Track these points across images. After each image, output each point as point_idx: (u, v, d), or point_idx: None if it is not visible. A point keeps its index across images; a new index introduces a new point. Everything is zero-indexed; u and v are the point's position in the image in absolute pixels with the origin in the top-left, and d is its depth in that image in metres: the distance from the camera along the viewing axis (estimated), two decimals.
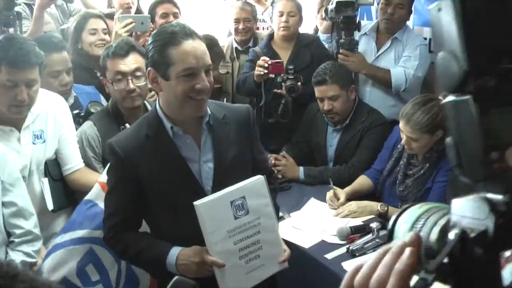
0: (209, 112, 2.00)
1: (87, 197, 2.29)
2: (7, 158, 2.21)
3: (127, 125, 2.57)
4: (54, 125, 2.55)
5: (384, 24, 3.74)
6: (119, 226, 2.02)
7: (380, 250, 0.63)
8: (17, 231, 2.21)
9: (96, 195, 2.26)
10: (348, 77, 3.37)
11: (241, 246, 1.92)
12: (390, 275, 0.58)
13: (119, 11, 3.45)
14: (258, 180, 1.96)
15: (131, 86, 2.59)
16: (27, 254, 2.20)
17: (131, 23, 3.30)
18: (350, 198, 3.00)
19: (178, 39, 1.82)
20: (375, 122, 3.28)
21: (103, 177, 2.29)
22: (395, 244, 0.61)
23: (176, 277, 0.95)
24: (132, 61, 2.60)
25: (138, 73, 2.61)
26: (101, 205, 2.19)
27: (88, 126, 2.69)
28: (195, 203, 1.84)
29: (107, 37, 3.43)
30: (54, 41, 2.80)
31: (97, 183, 2.29)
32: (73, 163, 2.61)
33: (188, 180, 1.98)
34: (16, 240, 2.20)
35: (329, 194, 2.98)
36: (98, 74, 3.21)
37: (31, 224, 2.25)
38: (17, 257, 2.17)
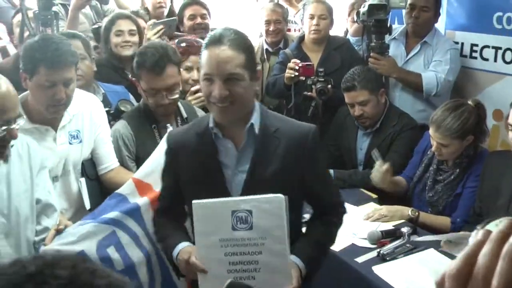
0: (253, 121, 1.91)
1: (118, 191, 2.29)
2: (39, 148, 2.27)
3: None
4: (90, 125, 2.59)
5: (410, 28, 3.75)
6: (159, 211, 2.13)
7: (470, 247, 0.58)
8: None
9: (129, 190, 2.25)
10: (377, 81, 3.37)
11: (233, 260, 1.81)
12: (498, 260, 0.55)
13: (151, 21, 3.52)
14: (275, 198, 1.77)
15: (166, 101, 2.64)
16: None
17: (161, 29, 3.41)
18: (383, 198, 3.01)
19: (207, 44, 1.84)
20: (406, 126, 3.28)
21: (137, 173, 2.30)
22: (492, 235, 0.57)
23: (229, 280, 0.95)
24: (169, 77, 2.61)
25: (173, 88, 2.65)
26: (132, 200, 2.22)
27: (122, 125, 2.73)
28: (193, 201, 1.83)
29: (133, 38, 3.46)
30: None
31: (131, 179, 2.29)
32: (109, 162, 2.65)
33: (218, 186, 1.94)
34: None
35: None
36: (128, 74, 3.28)
37: (51, 222, 2.25)
38: None
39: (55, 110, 2.39)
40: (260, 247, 1.78)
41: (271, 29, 4.12)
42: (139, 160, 2.66)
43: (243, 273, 1.81)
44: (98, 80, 3.36)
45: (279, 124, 1.96)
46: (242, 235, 1.78)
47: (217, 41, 1.81)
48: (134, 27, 3.50)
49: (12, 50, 4.07)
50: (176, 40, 3.23)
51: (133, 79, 2.78)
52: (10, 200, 2.08)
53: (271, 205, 1.77)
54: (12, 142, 2.07)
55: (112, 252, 2.17)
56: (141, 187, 2.25)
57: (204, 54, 1.84)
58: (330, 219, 2.08)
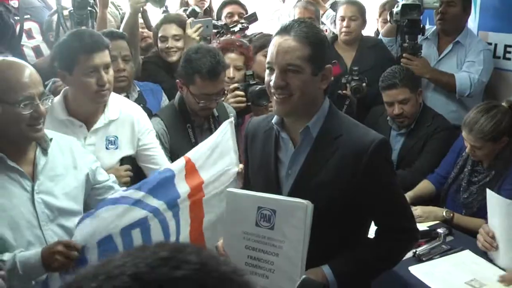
0: (312, 123, 1.81)
1: (170, 166, 2.30)
2: (84, 149, 2.32)
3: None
4: (131, 135, 2.60)
5: (439, 25, 3.74)
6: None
7: None
8: None
9: (178, 167, 2.25)
10: (417, 80, 3.38)
11: (252, 254, 1.79)
12: None
13: (190, 19, 3.52)
14: (299, 204, 1.69)
15: (214, 104, 2.74)
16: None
17: (200, 27, 3.40)
18: (413, 202, 3.00)
19: (275, 33, 1.83)
20: (440, 127, 3.27)
21: (190, 152, 2.29)
22: None
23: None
24: (221, 82, 2.71)
25: (221, 93, 2.74)
26: (177, 182, 2.21)
27: (156, 122, 2.77)
28: (227, 189, 1.87)
29: (178, 43, 3.47)
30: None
31: (183, 157, 2.28)
32: (165, 166, 2.64)
33: (272, 182, 1.90)
34: None
35: None
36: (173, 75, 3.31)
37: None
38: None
39: (101, 96, 2.42)
40: (278, 249, 1.74)
41: None
42: (173, 157, 2.68)
43: (259, 269, 1.78)
44: (145, 76, 3.44)
45: (344, 130, 1.81)
46: (263, 233, 1.76)
47: (283, 30, 1.78)
48: (179, 32, 3.51)
49: (45, 49, 4.14)
50: (221, 38, 3.29)
51: (179, 80, 2.78)
52: (54, 193, 2.12)
53: (294, 209, 1.70)
54: (51, 136, 2.14)
55: (136, 235, 2.14)
56: (189, 167, 2.24)
57: (271, 42, 1.83)
58: (390, 241, 1.88)
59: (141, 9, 3.46)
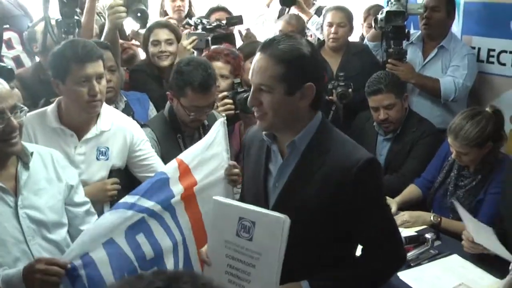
0: (298, 137, 1.78)
1: (163, 169, 2.29)
2: (66, 161, 2.30)
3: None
4: (122, 147, 2.60)
5: (424, 30, 3.79)
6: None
7: None
8: None
9: (171, 169, 2.24)
10: (402, 85, 3.40)
11: (231, 263, 1.79)
12: None
13: (186, 31, 3.55)
14: (276, 218, 1.65)
15: (204, 117, 2.77)
16: None
17: (195, 39, 3.40)
18: (400, 207, 3.03)
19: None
20: (426, 132, 3.30)
21: (182, 155, 2.30)
22: None
23: None
24: (212, 95, 2.74)
25: (214, 103, 2.79)
26: (172, 184, 2.20)
27: (147, 133, 2.76)
28: (214, 197, 1.85)
29: (171, 47, 3.51)
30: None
31: (174, 160, 2.27)
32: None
33: (260, 192, 1.90)
34: None
35: None
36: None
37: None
38: None
39: (93, 106, 2.42)
40: (255, 261, 1.72)
41: None
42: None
43: (236, 279, 1.78)
44: (133, 85, 3.45)
45: (333, 146, 1.77)
46: (242, 243, 1.74)
47: (262, 47, 1.74)
48: (172, 36, 3.55)
49: (25, 59, 4.11)
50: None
51: (167, 92, 2.78)
52: (39, 207, 2.10)
53: (271, 223, 1.66)
54: (31, 149, 2.11)
55: (141, 240, 2.13)
56: (183, 168, 2.24)
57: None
58: (373, 263, 1.82)
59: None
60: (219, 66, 3.14)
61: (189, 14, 4.46)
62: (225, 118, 2.39)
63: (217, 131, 2.33)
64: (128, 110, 3.08)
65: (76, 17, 3.16)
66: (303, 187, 1.77)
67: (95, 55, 2.39)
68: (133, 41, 4.26)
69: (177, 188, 2.22)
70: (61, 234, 2.17)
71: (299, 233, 1.65)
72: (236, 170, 2.35)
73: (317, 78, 1.75)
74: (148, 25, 3.55)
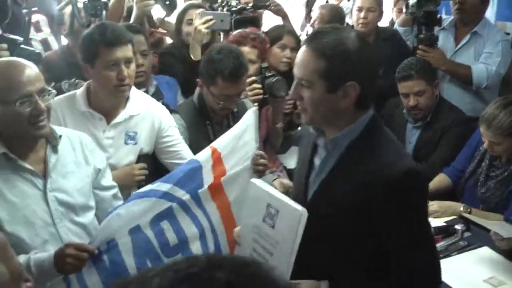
0: (338, 136, 1.68)
1: (196, 156, 2.29)
2: (94, 145, 2.31)
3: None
4: (150, 132, 2.58)
5: (456, 15, 3.68)
6: None
7: None
8: None
9: (204, 157, 2.24)
10: (433, 72, 3.32)
11: (255, 247, 1.76)
12: None
13: (200, 9, 3.41)
14: (295, 209, 1.58)
15: (234, 105, 2.73)
16: None
17: (210, 19, 3.24)
18: (429, 197, 2.97)
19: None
20: (456, 120, 3.23)
21: (216, 142, 2.29)
22: None
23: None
24: (243, 84, 2.70)
25: (241, 95, 2.74)
26: (204, 173, 2.20)
27: (176, 118, 2.75)
28: (251, 180, 1.80)
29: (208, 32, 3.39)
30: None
31: (208, 147, 2.27)
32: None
33: (301, 186, 1.83)
34: None
35: None
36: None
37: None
38: None
39: (121, 90, 2.42)
40: (273, 249, 1.68)
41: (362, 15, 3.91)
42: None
43: None
44: (162, 67, 3.43)
45: (377, 150, 1.63)
46: (266, 230, 1.70)
47: (306, 40, 1.66)
48: None
49: (53, 42, 4.12)
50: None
51: (200, 79, 2.75)
52: (67, 190, 2.11)
53: (290, 213, 1.60)
54: (60, 132, 2.12)
55: (166, 226, 2.16)
56: (216, 156, 2.24)
57: None
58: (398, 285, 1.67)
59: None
60: (246, 51, 3.08)
61: None
62: (257, 107, 2.38)
63: (249, 120, 2.31)
64: (158, 95, 3.06)
65: (103, 0, 3.15)
66: (339, 186, 1.67)
67: (124, 39, 2.38)
68: (159, 29, 4.23)
69: (208, 177, 2.22)
70: (88, 217, 2.19)
71: (329, 229, 1.63)
72: (263, 161, 2.33)
73: (363, 77, 1.60)
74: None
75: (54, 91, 2.08)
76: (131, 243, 2.08)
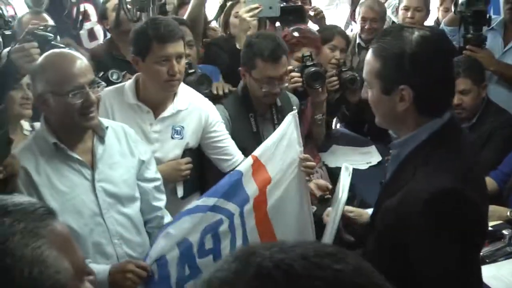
0: (396, 144, 1.68)
1: (239, 168, 2.31)
2: (137, 137, 2.33)
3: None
4: (196, 127, 2.59)
5: (508, 14, 3.58)
6: None
7: None
8: (158, 213, 2.35)
9: (246, 168, 2.27)
10: (481, 73, 3.23)
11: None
12: None
13: None
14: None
15: (277, 89, 2.70)
16: None
17: (256, 8, 3.15)
18: None
19: None
20: (504, 123, 3.14)
21: (257, 151, 2.30)
22: None
23: None
24: (283, 66, 2.68)
25: (284, 77, 2.73)
26: (246, 183, 2.22)
27: (220, 109, 2.76)
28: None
29: (253, 21, 3.35)
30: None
31: (250, 156, 2.29)
32: (236, 156, 2.64)
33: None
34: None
35: None
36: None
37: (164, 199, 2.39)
38: None
39: (171, 85, 2.45)
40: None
41: (366, 27, 4.01)
42: None
43: None
44: (206, 58, 3.45)
45: (430, 163, 1.53)
46: None
47: (374, 39, 1.66)
48: None
49: (98, 31, 4.18)
50: (291, 28, 3.18)
51: (242, 67, 2.75)
52: (114, 180, 2.14)
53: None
54: (106, 124, 2.15)
55: (208, 242, 2.20)
56: (257, 165, 2.26)
57: None
58: None
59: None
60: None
61: None
62: (296, 110, 2.38)
63: (289, 124, 2.31)
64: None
65: None
66: (386, 197, 1.61)
67: (177, 35, 2.40)
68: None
69: (251, 188, 2.24)
70: (134, 208, 2.22)
71: (373, 239, 1.65)
72: (309, 163, 2.35)
73: (417, 81, 1.53)
74: None
75: (103, 83, 2.13)
76: (179, 255, 2.13)
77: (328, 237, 1.97)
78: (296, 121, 2.31)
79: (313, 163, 2.37)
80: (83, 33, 3.92)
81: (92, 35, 4.10)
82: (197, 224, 2.16)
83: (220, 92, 2.87)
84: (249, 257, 0.71)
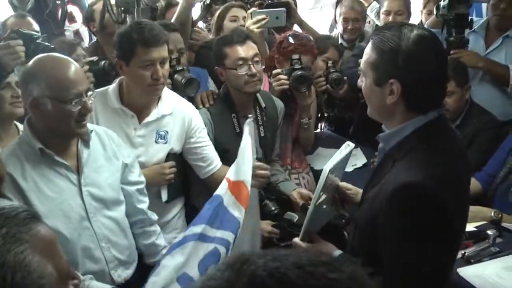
0: (383, 135, 1.73)
1: (217, 192, 2.24)
2: (120, 140, 2.32)
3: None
4: (180, 131, 2.59)
5: (495, 20, 3.61)
6: None
7: None
8: (142, 216, 2.35)
9: (222, 189, 2.22)
10: (465, 75, 3.25)
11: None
12: None
13: (252, 8, 3.38)
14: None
15: (253, 70, 2.69)
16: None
17: (263, 19, 3.21)
18: None
19: None
20: (487, 124, 3.16)
21: (230, 173, 2.25)
22: None
23: None
24: (253, 48, 2.71)
25: (256, 59, 2.71)
26: (226, 198, 2.17)
27: (202, 112, 2.76)
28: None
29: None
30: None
31: (225, 179, 2.25)
32: (212, 165, 2.64)
33: None
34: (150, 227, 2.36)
35: None
36: None
37: (147, 201, 2.40)
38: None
39: (155, 89, 2.44)
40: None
41: (349, 27, 4.05)
42: (217, 148, 2.70)
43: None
44: (197, 60, 3.45)
45: (407, 158, 1.59)
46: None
47: (372, 32, 1.75)
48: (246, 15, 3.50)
49: (84, 33, 4.16)
50: (288, 34, 3.18)
51: (217, 68, 2.78)
52: (99, 184, 2.13)
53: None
54: (90, 127, 2.14)
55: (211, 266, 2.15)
56: (233, 185, 2.20)
57: None
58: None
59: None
60: (305, 60, 3.09)
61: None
62: (252, 119, 2.36)
63: (245, 134, 2.26)
64: None
65: None
66: (371, 188, 1.70)
67: (161, 40, 2.38)
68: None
69: (238, 211, 2.16)
70: (120, 212, 2.22)
71: (358, 224, 1.72)
72: (262, 172, 2.42)
73: (407, 77, 1.58)
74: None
75: (95, 91, 2.17)
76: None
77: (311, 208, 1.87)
78: (251, 129, 2.26)
79: (265, 172, 2.42)
80: (68, 34, 3.89)
81: (77, 36, 4.09)
82: (190, 255, 2.09)
83: (206, 105, 2.84)
84: (242, 265, 0.70)
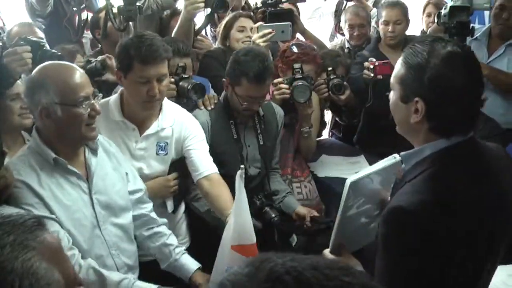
0: (408, 154, 1.62)
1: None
2: (118, 149, 2.33)
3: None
4: (177, 139, 2.59)
5: (498, 30, 3.64)
6: None
7: None
8: (145, 217, 2.34)
9: (238, 261, 1.98)
10: None
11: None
12: None
13: (259, 23, 3.34)
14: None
15: (257, 107, 2.75)
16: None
17: (269, 33, 3.20)
18: None
19: None
20: (492, 132, 3.17)
21: (233, 240, 2.13)
22: None
23: None
24: (267, 87, 2.73)
25: (266, 94, 2.76)
26: None
27: (202, 112, 2.81)
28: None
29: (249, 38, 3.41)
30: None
31: (231, 249, 2.12)
32: (202, 169, 2.55)
33: None
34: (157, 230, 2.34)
35: None
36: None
37: (150, 206, 2.37)
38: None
39: (150, 106, 2.43)
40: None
41: (355, 33, 4.06)
42: (212, 151, 2.65)
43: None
44: (201, 69, 3.44)
45: (417, 185, 1.50)
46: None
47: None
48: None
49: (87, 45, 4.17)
50: (291, 43, 3.18)
51: (225, 80, 2.77)
52: (107, 192, 2.14)
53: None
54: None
55: None
56: (238, 249, 2.11)
57: None
58: None
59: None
60: (307, 69, 3.09)
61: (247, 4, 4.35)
62: (243, 171, 2.15)
63: (238, 183, 2.12)
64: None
65: (138, 4, 3.14)
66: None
67: (159, 57, 2.34)
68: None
69: None
70: (127, 218, 2.22)
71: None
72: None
73: (432, 96, 1.49)
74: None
75: (100, 93, 2.14)
76: None
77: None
78: (238, 182, 2.12)
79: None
80: (85, 41, 3.90)
81: (94, 43, 4.09)
82: None
83: (209, 108, 2.85)
84: (262, 263, 0.74)
